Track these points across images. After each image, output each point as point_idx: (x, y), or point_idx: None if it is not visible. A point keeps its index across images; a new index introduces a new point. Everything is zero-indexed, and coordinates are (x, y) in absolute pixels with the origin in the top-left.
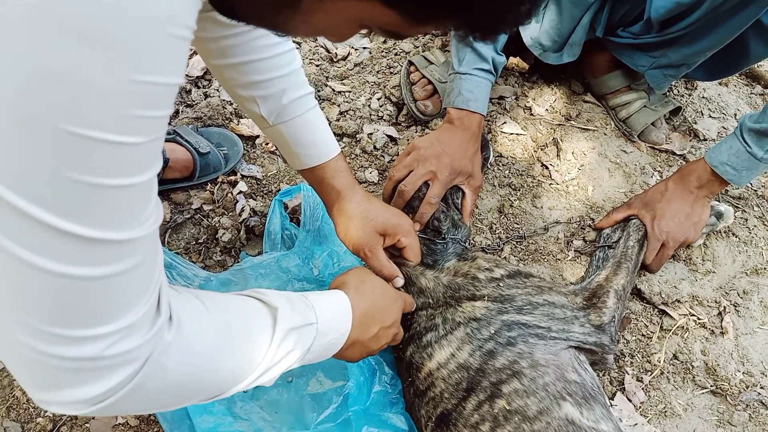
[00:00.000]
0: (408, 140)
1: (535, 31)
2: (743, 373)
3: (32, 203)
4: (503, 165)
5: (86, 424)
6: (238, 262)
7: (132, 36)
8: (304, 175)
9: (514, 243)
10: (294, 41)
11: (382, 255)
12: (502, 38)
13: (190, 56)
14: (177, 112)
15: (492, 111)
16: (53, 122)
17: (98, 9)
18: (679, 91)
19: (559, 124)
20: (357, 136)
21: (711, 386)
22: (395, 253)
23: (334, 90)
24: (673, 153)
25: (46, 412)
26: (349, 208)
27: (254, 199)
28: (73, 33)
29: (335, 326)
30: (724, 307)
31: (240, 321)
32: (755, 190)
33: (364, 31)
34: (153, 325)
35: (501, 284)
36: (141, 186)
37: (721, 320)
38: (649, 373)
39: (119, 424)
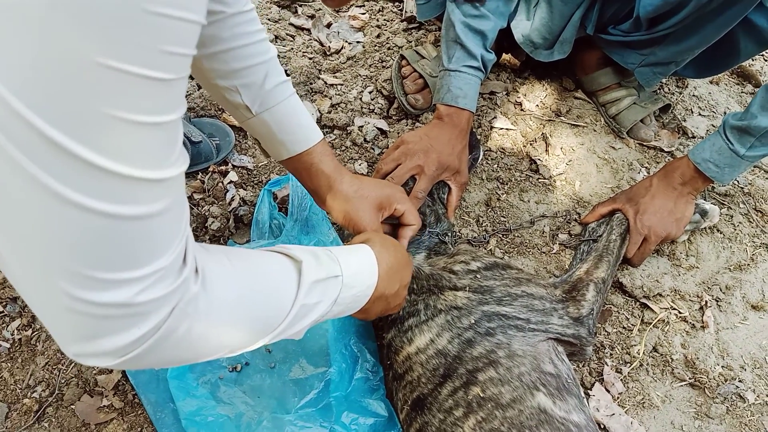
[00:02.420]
0: (398, 134)
1: (526, 29)
2: (722, 366)
3: (68, 137)
4: (492, 159)
5: (72, 406)
6: None
7: None
8: (289, 165)
9: (500, 236)
10: (288, 34)
11: (382, 231)
12: (492, 36)
13: None
14: None
15: (483, 106)
16: (87, 55)
17: None
18: (669, 89)
19: (549, 120)
20: (348, 128)
21: (690, 379)
22: (395, 223)
23: (326, 83)
24: (662, 150)
25: (32, 392)
26: (341, 189)
27: (244, 189)
28: None
29: (361, 279)
30: (706, 302)
31: (264, 274)
32: (741, 188)
33: (358, 25)
34: (180, 275)
35: (478, 276)
36: (171, 125)
37: (702, 314)
38: (629, 364)
39: (104, 406)
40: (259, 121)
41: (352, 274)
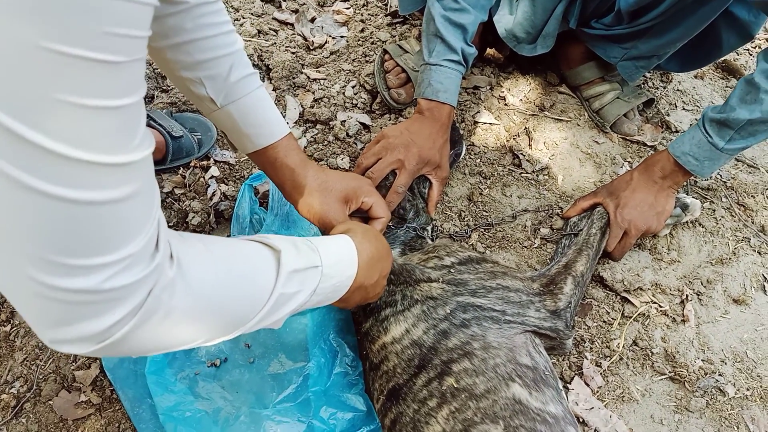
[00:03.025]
0: (381, 128)
1: (509, 23)
2: (703, 360)
3: (19, 122)
4: (475, 154)
5: (49, 402)
6: None
7: None
8: (255, 158)
9: (482, 230)
10: (271, 28)
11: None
12: (472, 30)
13: None
14: (152, 97)
15: (466, 101)
16: (30, 39)
17: None
18: (654, 84)
19: (533, 115)
20: (330, 123)
21: (669, 372)
22: (364, 216)
23: (309, 77)
24: (645, 144)
25: (10, 388)
26: (305, 183)
27: (226, 184)
28: None
29: (341, 270)
30: (687, 296)
31: (243, 262)
32: (724, 182)
33: (342, 19)
34: (152, 260)
35: (452, 270)
36: (128, 108)
37: (683, 308)
38: (608, 358)
39: (82, 402)
40: (224, 114)
41: (331, 264)
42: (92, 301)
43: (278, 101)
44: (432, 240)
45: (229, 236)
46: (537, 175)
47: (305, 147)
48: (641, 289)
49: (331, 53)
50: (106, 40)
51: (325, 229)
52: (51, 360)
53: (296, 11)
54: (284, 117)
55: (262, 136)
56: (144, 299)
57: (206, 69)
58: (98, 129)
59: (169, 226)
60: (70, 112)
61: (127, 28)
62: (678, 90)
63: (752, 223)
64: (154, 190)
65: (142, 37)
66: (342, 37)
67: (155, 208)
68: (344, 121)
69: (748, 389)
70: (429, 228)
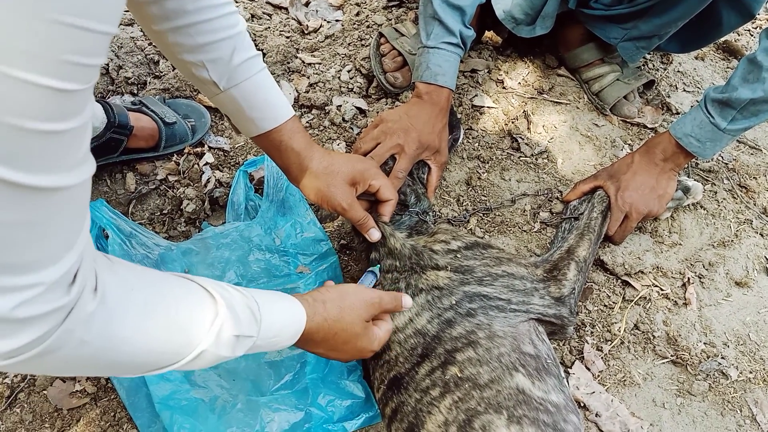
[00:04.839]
0: (377, 113)
1: (507, 4)
2: (705, 343)
3: None
4: (473, 138)
5: (44, 391)
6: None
7: None
8: (260, 142)
9: (481, 215)
10: (265, 12)
11: (358, 206)
12: (470, 12)
13: None
14: (144, 83)
15: (464, 84)
16: None
17: None
18: (654, 65)
19: (531, 98)
20: (326, 108)
21: (671, 356)
22: (371, 199)
23: (304, 62)
24: (645, 126)
25: (4, 378)
26: (312, 166)
27: (220, 171)
28: None
29: (276, 342)
30: (689, 279)
31: (175, 311)
32: (726, 164)
33: (337, 3)
34: (66, 293)
35: (458, 255)
36: (69, 133)
37: (685, 291)
38: (609, 342)
39: (77, 391)
40: (228, 97)
41: (268, 337)
42: None
43: None
44: (432, 225)
45: (223, 223)
46: (536, 159)
47: None
48: (642, 272)
49: (326, 37)
50: (64, 68)
51: (334, 212)
52: None
53: None
54: None
55: (266, 119)
56: (52, 329)
57: (208, 52)
58: (31, 150)
59: (164, 214)
60: (3, 131)
61: (85, 56)
62: (678, 71)
63: (754, 205)
64: (83, 220)
65: (97, 66)
66: (337, 20)
67: (81, 238)
68: (340, 105)
69: (750, 372)
70: (430, 213)
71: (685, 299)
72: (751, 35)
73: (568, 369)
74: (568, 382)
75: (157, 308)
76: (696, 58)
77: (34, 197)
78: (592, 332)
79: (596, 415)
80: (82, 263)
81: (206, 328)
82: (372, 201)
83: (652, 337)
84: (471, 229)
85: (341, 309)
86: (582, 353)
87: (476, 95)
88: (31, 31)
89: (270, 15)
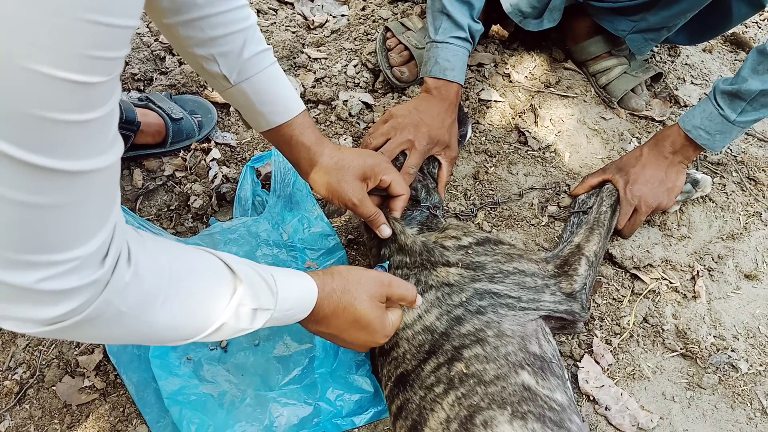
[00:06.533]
0: (384, 108)
1: None
2: (715, 336)
3: None
4: (480, 132)
5: (53, 387)
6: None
7: None
8: (270, 137)
9: (488, 209)
10: (270, 8)
11: (369, 202)
12: (478, 5)
13: None
14: (151, 79)
15: (470, 78)
16: (15, 60)
17: None
18: (662, 58)
19: (538, 91)
20: (332, 103)
21: (681, 349)
22: (383, 194)
23: (310, 57)
24: (653, 119)
25: (13, 374)
26: (322, 161)
27: (227, 166)
28: None
29: (292, 314)
30: (698, 272)
31: (198, 284)
32: (734, 156)
33: None
34: (101, 266)
35: (470, 251)
36: (97, 121)
37: (694, 284)
38: (618, 336)
39: (86, 387)
40: (238, 91)
41: (285, 309)
42: (31, 297)
43: None
44: (443, 220)
45: (231, 219)
46: (543, 153)
47: None
48: (651, 265)
49: (332, 32)
50: (86, 62)
51: (345, 207)
52: (54, 345)
53: None
54: None
55: (276, 113)
56: (91, 299)
57: (219, 45)
58: (61, 138)
59: (171, 210)
60: (35, 123)
61: (107, 50)
62: (686, 64)
63: (763, 197)
64: (114, 197)
65: (120, 57)
66: (343, 15)
67: (112, 214)
68: (346, 100)
69: (761, 365)
70: (441, 207)
71: (695, 292)
72: (759, 27)
73: (577, 363)
74: (577, 375)
75: (183, 283)
76: (704, 50)
77: (67, 181)
78: (601, 326)
79: (606, 408)
80: (114, 236)
81: (226, 301)
82: (383, 196)
83: (661, 331)
84: (478, 224)
85: (347, 281)
86: (591, 347)
87: (483, 89)
88: (55, 27)
89: (276, 10)
